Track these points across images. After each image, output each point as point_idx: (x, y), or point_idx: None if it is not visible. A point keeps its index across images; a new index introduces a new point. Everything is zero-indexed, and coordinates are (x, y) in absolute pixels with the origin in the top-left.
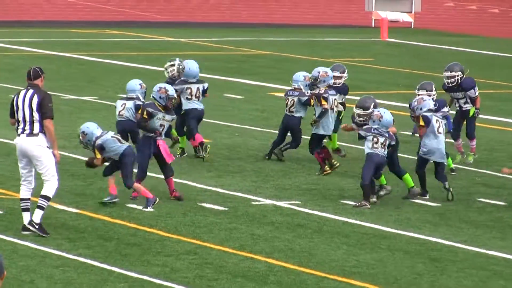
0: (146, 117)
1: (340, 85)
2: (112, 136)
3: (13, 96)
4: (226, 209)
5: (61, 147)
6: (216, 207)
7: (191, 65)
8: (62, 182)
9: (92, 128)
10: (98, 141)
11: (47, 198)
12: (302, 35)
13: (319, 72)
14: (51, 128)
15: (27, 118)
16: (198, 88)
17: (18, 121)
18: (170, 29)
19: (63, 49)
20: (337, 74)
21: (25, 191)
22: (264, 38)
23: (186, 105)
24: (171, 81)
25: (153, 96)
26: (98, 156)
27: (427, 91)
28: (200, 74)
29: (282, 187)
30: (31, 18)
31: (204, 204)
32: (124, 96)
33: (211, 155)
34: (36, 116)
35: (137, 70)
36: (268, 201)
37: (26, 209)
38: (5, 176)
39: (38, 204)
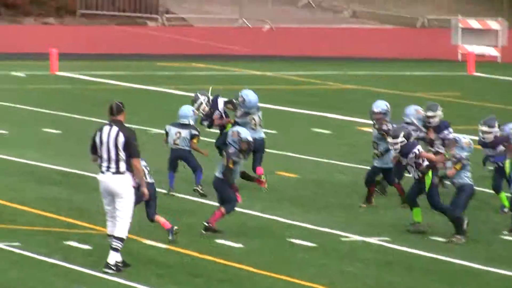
0: (231, 166)
1: (434, 124)
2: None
3: (95, 131)
4: (315, 245)
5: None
6: (305, 243)
7: (251, 96)
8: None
9: None
10: None
11: (121, 240)
12: (386, 69)
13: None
14: (139, 167)
15: (112, 157)
16: (259, 116)
17: (101, 158)
18: (256, 62)
19: (147, 82)
20: (430, 113)
21: (112, 227)
22: (350, 72)
23: (253, 134)
24: (206, 117)
25: (228, 142)
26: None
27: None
28: (287, 108)
29: (370, 223)
30: (118, 51)
31: (293, 240)
32: (176, 122)
33: (299, 190)
34: (121, 154)
35: None
36: (357, 237)
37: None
38: (93, 211)
39: (113, 246)
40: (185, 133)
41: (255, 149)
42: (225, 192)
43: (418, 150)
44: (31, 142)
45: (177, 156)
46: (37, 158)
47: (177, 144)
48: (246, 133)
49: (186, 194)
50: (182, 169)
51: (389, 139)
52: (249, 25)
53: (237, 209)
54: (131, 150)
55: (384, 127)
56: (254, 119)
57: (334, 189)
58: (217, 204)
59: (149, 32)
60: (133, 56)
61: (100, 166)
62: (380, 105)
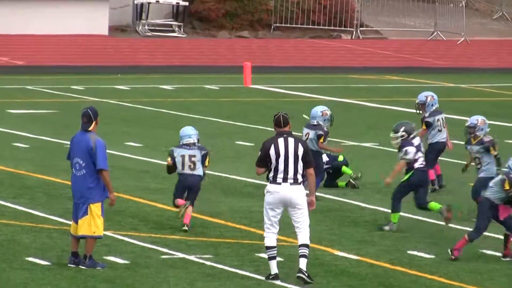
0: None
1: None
2: None
3: (266, 144)
4: (501, 255)
5: (342, 194)
6: (496, 253)
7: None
8: (342, 229)
9: None
10: None
11: (308, 246)
12: None
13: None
14: (313, 175)
15: (291, 167)
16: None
17: (276, 169)
18: (450, 74)
19: (343, 95)
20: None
21: (274, 240)
22: None
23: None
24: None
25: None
26: None
27: None
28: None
29: None
30: (311, 64)
31: (484, 251)
32: (308, 123)
33: None
34: (300, 164)
35: (416, 116)
36: None
37: (274, 257)
38: (285, 223)
39: (303, 253)
40: (312, 133)
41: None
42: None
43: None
44: (223, 154)
45: None
46: (230, 171)
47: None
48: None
49: (375, 205)
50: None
51: (391, 134)
52: (444, 38)
53: (428, 220)
54: (309, 159)
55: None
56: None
57: None
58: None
59: (343, 45)
60: (326, 69)
61: (274, 177)
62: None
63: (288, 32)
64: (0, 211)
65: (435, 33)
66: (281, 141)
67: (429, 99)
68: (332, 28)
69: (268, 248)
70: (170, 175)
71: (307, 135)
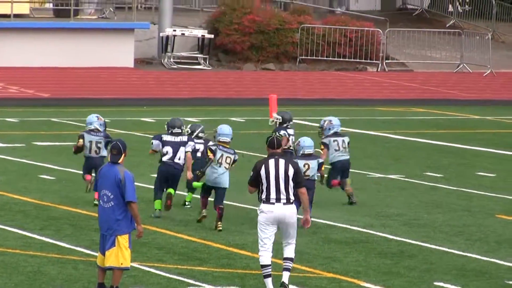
0: None
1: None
2: None
3: (257, 165)
4: None
5: (369, 225)
6: None
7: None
8: (369, 260)
9: None
10: None
11: (292, 260)
12: None
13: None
14: (306, 195)
15: (282, 187)
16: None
17: (267, 189)
18: (476, 106)
19: (368, 127)
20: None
21: (268, 258)
22: None
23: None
24: None
25: None
26: None
27: None
28: (507, 152)
29: None
30: (337, 96)
31: (510, 282)
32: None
33: None
34: (291, 185)
35: (442, 148)
36: None
37: (269, 275)
38: (312, 254)
39: (286, 267)
40: (313, 163)
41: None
42: None
43: None
44: None
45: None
46: (257, 203)
47: (307, 176)
48: None
49: (402, 236)
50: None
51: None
52: (470, 70)
53: (455, 251)
54: (299, 180)
55: None
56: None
57: None
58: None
59: (369, 77)
60: (352, 101)
61: (267, 197)
62: None
63: (314, 65)
64: (26, 243)
65: (461, 65)
66: (271, 162)
67: (326, 123)
68: (357, 60)
69: (263, 266)
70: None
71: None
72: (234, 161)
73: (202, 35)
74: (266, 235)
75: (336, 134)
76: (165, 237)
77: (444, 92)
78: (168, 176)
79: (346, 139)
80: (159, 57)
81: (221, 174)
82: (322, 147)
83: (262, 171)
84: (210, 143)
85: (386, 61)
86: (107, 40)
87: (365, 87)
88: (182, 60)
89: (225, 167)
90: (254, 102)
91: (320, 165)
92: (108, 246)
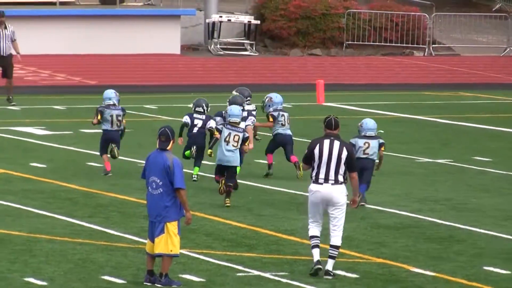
0: None
1: None
2: None
3: (313, 143)
4: None
5: (417, 210)
6: None
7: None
8: (417, 245)
9: None
10: None
11: (338, 248)
12: None
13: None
14: (357, 179)
15: (332, 168)
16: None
17: (318, 169)
18: None
19: (415, 112)
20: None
21: (317, 230)
22: None
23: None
24: None
25: None
26: None
27: None
28: None
29: None
30: (383, 81)
31: None
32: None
33: None
34: (342, 167)
35: (490, 132)
36: None
37: (317, 246)
38: (361, 239)
39: (332, 254)
40: (374, 143)
41: (287, 142)
42: None
43: None
44: (296, 172)
45: (364, 167)
46: (305, 189)
47: (367, 154)
48: None
49: (451, 221)
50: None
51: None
52: None
53: (504, 235)
54: (352, 163)
55: None
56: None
57: None
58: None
59: (415, 62)
60: (399, 86)
61: (317, 177)
62: None
63: (360, 50)
64: (75, 230)
65: (508, 49)
66: (326, 142)
67: (267, 100)
68: (404, 45)
69: (311, 237)
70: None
71: (366, 144)
72: (244, 139)
73: (248, 21)
74: (314, 213)
75: (277, 110)
76: (213, 224)
77: (491, 76)
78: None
79: (287, 115)
80: (206, 44)
81: (231, 154)
82: (271, 118)
83: (316, 150)
84: (217, 119)
85: (433, 45)
86: (153, 27)
87: (412, 72)
88: (228, 46)
89: (233, 145)
90: (301, 88)
91: (380, 145)
92: (157, 233)
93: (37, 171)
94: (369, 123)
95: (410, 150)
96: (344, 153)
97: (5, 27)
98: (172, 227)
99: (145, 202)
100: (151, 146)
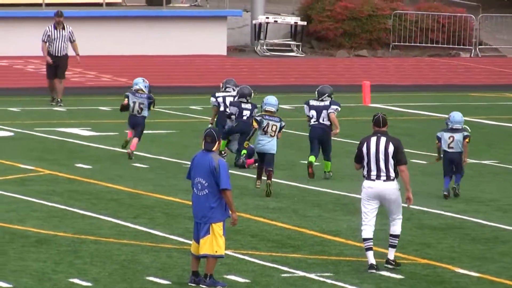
0: None
1: None
2: None
3: (361, 142)
4: None
5: (462, 211)
6: None
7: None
8: (462, 246)
9: None
10: None
11: (398, 236)
12: None
13: None
14: (407, 172)
15: (382, 164)
16: None
17: (369, 166)
18: None
19: (462, 113)
20: None
21: (370, 232)
22: None
23: None
24: None
25: None
26: None
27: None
28: None
29: None
30: (430, 82)
31: None
32: (448, 128)
33: None
34: (391, 162)
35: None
36: None
37: (371, 248)
38: (406, 240)
39: (392, 243)
40: (458, 136)
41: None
42: None
43: None
44: (344, 173)
45: (452, 160)
46: (350, 189)
47: (452, 148)
48: None
49: (496, 222)
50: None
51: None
52: None
53: None
54: (400, 157)
55: None
56: None
57: None
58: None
59: (462, 63)
60: (445, 87)
61: (369, 174)
62: None
63: (407, 51)
64: (120, 231)
65: None
66: (373, 139)
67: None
68: (450, 46)
69: (364, 239)
70: None
71: (451, 138)
72: (281, 128)
73: (295, 22)
74: (367, 210)
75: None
76: (259, 225)
77: None
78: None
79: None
80: (252, 45)
81: (268, 142)
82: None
83: (364, 148)
84: (255, 111)
85: (479, 46)
86: (200, 28)
87: (458, 73)
88: (275, 48)
89: (271, 134)
90: (347, 89)
91: (464, 137)
92: (203, 234)
93: (83, 172)
94: (456, 116)
95: None
96: (391, 147)
97: (63, 28)
98: (218, 228)
99: (190, 203)
100: (196, 147)
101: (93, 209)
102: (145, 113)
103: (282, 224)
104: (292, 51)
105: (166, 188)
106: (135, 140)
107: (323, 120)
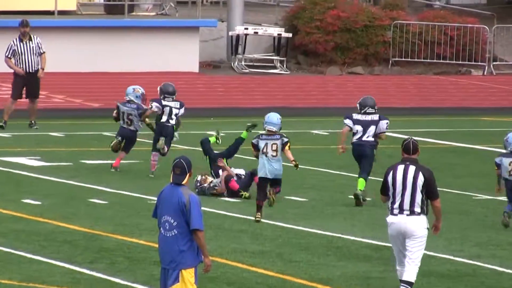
0: None
1: None
2: None
3: (389, 171)
4: None
5: (475, 256)
6: None
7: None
8: None
9: None
10: None
11: (411, 284)
12: None
13: None
14: (440, 207)
15: (407, 197)
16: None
17: (393, 198)
18: None
19: (473, 140)
20: None
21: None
22: None
23: None
24: None
25: None
26: None
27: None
28: None
29: None
30: (436, 104)
31: None
32: (507, 153)
33: None
34: (419, 195)
35: None
36: None
37: None
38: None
39: None
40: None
41: None
42: None
43: None
44: (336, 211)
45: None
46: (343, 230)
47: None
48: None
49: None
50: None
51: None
52: None
53: None
54: (432, 190)
55: None
56: None
57: None
58: None
59: (473, 82)
60: (454, 110)
61: (392, 207)
62: None
63: (409, 68)
64: (75, 278)
65: None
66: (400, 168)
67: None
68: (460, 62)
69: (400, 281)
70: None
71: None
72: (283, 144)
73: (278, 34)
74: (396, 250)
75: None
76: (237, 271)
77: None
78: None
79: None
80: (228, 60)
81: (271, 165)
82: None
83: (390, 178)
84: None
85: (494, 63)
86: (168, 40)
87: (469, 94)
88: (255, 64)
89: (272, 155)
90: (340, 112)
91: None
92: (171, 282)
93: (31, 209)
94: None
95: (467, 185)
96: (421, 178)
97: (30, 39)
98: (188, 275)
99: (156, 245)
100: (165, 180)
101: (43, 252)
102: (135, 126)
103: (264, 271)
104: (275, 67)
105: (128, 227)
106: (122, 154)
107: (367, 137)
